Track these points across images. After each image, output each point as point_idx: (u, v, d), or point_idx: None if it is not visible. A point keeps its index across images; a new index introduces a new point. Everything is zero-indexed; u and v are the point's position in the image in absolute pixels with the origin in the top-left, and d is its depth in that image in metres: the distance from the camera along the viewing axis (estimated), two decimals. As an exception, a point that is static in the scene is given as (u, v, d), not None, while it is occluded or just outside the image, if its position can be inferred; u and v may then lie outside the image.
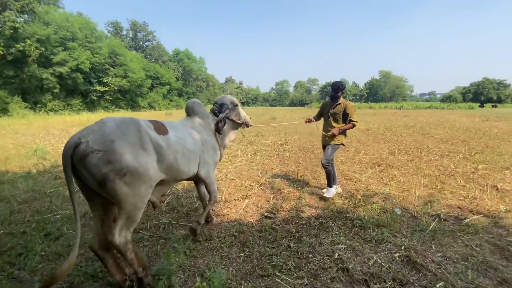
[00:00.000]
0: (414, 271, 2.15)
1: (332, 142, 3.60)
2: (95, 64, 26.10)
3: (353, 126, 3.58)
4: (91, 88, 26.90)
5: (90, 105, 27.23)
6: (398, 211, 3.26)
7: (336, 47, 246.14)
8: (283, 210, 3.33)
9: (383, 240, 2.59)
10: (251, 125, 3.15)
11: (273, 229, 2.84)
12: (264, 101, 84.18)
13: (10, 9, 16.94)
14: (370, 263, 2.23)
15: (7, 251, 2.43)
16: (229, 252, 2.47)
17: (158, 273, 2.09)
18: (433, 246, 2.51)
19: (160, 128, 2.09)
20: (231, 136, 3.01)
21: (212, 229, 2.87)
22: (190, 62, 46.76)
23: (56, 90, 22.73)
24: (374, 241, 2.59)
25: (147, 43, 44.59)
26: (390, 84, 72.69)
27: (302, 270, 2.18)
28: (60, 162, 5.69)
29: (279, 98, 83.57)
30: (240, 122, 2.98)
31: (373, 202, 3.53)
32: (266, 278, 2.08)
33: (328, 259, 2.31)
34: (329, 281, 2.05)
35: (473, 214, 3.19)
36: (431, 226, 2.85)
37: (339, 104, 3.57)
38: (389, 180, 4.54)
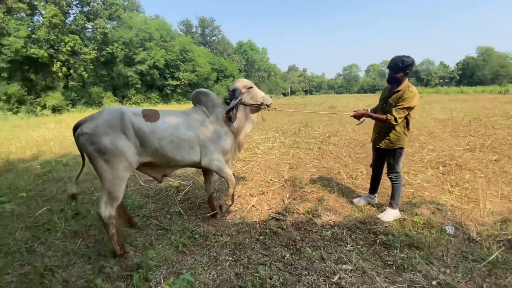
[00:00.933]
0: (442, 321, 1.54)
1: (385, 145, 2.63)
2: (169, 61, 29.10)
3: (387, 120, 2.47)
4: (166, 82, 30.25)
5: (165, 98, 30.73)
6: (450, 230, 2.47)
7: (419, 21, 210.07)
8: (296, 212, 2.94)
9: (410, 267, 1.97)
10: (274, 108, 2.92)
11: (275, 233, 2.52)
12: (329, 89, 79.55)
13: (100, 17, 20.23)
14: (377, 297, 1.71)
15: (41, 225, 2.83)
16: (219, 253, 2.29)
17: (138, 266, 2.08)
18: (484, 287, 1.77)
19: (150, 116, 2.27)
20: (251, 120, 2.89)
21: (213, 225, 2.73)
22: (253, 53, 47.56)
23: (138, 86, 26.40)
24: (395, 267, 1.99)
25: (213, 38, 47.24)
26: (492, 63, 58.38)
27: (288, 289, 1.83)
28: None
29: (346, 84, 77.53)
30: (258, 103, 2.79)
31: (416, 214, 2.77)
32: (241, 292, 1.82)
33: (323, 281, 1.88)
34: (314, 310, 1.65)
35: None
36: (493, 256, 2.04)
37: (398, 91, 2.50)
38: (452, 185, 3.54)
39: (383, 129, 2.65)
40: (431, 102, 19.86)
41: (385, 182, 3.41)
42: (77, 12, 20.28)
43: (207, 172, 2.83)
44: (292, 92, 71.04)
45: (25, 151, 6.32)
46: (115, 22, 23.85)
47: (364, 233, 2.47)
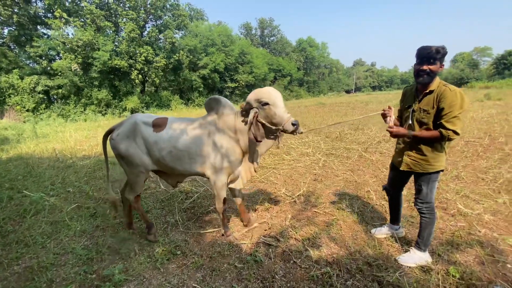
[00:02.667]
0: None
1: (421, 168, 1.97)
2: (228, 64, 30.52)
3: (442, 137, 1.80)
4: (225, 85, 31.86)
5: (225, 100, 32.43)
6: (503, 294, 1.69)
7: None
8: (294, 238, 2.51)
9: None
10: (297, 132, 2.15)
11: (257, 262, 2.18)
12: (402, 83, 70.59)
13: (169, 28, 22.50)
14: None
15: (62, 221, 3.16)
16: (191, 277, 2.10)
17: (107, 277, 2.06)
18: None
19: (158, 126, 2.38)
20: (266, 143, 2.33)
21: (199, 242, 2.56)
22: (312, 50, 45.81)
23: (201, 89, 28.51)
24: None
25: (272, 38, 47.35)
26: None
27: None
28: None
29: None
30: (273, 126, 2.17)
31: (454, 262, 2.02)
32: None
33: None
34: None
35: None
36: None
37: (430, 92, 1.88)
38: (532, 222, 2.51)
39: (414, 145, 1.99)
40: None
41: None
42: (151, 25, 23.12)
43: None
44: (358, 89, 65.68)
45: (92, 149, 7.40)
46: (182, 32, 26.29)
47: (366, 279, 1.90)
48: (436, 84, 1.87)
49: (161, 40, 24.17)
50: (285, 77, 40.47)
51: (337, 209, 3.01)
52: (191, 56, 25.64)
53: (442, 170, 1.97)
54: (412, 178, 2.15)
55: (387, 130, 2.02)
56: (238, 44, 32.94)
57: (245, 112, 2.24)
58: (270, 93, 2.15)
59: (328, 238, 2.46)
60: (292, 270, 2.07)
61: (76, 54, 18.42)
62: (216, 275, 2.08)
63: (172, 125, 2.39)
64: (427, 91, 1.89)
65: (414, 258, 2.04)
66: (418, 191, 2.05)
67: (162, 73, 23.29)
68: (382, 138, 6.75)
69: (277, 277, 2.00)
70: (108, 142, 2.53)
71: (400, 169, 2.10)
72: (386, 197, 3.26)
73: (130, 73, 21.52)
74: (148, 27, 23.08)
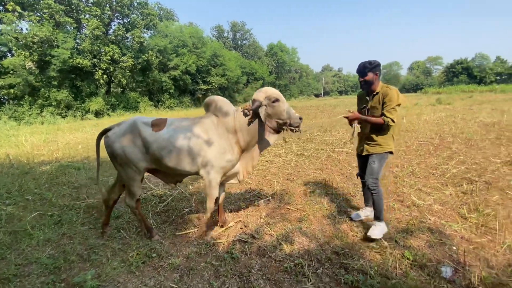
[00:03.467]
0: None
1: (375, 150, 2.48)
2: (200, 66, 30.09)
3: (384, 123, 2.34)
4: (197, 87, 31.35)
5: (197, 102, 31.83)
6: (447, 272, 1.96)
7: (470, 15, 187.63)
8: (269, 234, 2.63)
9: (372, 323, 1.57)
10: (299, 130, 2.35)
11: (234, 259, 2.26)
12: (367, 89, 75.12)
13: (137, 27, 21.65)
14: None
15: (22, 231, 2.94)
16: (167, 277, 2.11)
17: (78, 284, 1.99)
18: None
19: (158, 125, 2.41)
20: (267, 141, 2.48)
21: (175, 243, 2.57)
22: (283, 54, 46.97)
23: (172, 91, 27.72)
24: (354, 320, 1.61)
25: (244, 42, 47.72)
26: None
27: (216, 334, 1.57)
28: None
29: (385, 83, 71.87)
30: (281, 122, 2.34)
31: (409, 247, 2.29)
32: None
33: (259, 329, 1.58)
34: None
35: None
36: (496, 320, 1.53)
37: (377, 93, 2.44)
38: (471, 210, 2.91)
39: (370, 135, 2.53)
40: (482, 102, 17.48)
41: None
42: (117, 23, 22.02)
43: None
44: (326, 93, 68.61)
45: (53, 154, 6.88)
46: (151, 31, 25.40)
47: (334, 267, 2.08)
48: (380, 86, 2.45)
49: (129, 39, 23.12)
50: (258, 81, 40.96)
51: (308, 205, 3.20)
52: (161, 57, 24.87)
53: (392, 153, 2.50)
54: None
55: (344, 117, 2.48)
56: (210, 46, 32.65)
57: (251, 111, 2.28)
58: (277, 91, 2.34)
59: (300, 232, 2.62)
60: (267, 263, 2.19)
61: (31, 51, 16.91)
62: (193, 274, 2.12)
63: (171, 125, 2.42)
64: (375, 92, 2.45)
65: (379, 229, 2.42)
66: (369, 167, 2.52)
67: (129, 74, 22.27)
68: (348, 139, 7.22)
69: (253, 271, 2.10)
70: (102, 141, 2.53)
71: (363, 155, 2.60)
72: (351, 192, 3.55)
73: (94, 73, 20.27)
74: (114, 25, 21.99)
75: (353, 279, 1.90)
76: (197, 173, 2.46)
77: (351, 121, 2.50)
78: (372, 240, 2.37)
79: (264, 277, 2.02)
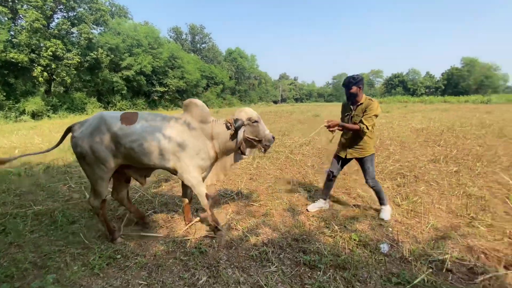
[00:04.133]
0: None
1: (359, 154, 2.85)
2: (156, 68, 28.87)
3: (360, 130, 2.70)
4: (153, 89, 29.96)
5: (152, 104, 30.37)
6: (385, 248, 2.37)
7: (406, 32, 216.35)
8: (236, 228, 2.79)
9: (326, 292, 1.85)
10: (269, 145, 2.59)
11: (202, 253, 2.37)
12: (319, 97, 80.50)
13: (85, 23, 19.98)
14: (278, 328, 1.57)
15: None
16: (135, 276, 2.12)
17: (36, 292, 1.89)
18: (399, 315, 1.66)
19: (128, 119, 2.35)
20: (241, 155, 2.69)
21: (141, 244, 2.56)
22: (242, 61, 47.81)
23: (124, 92, 26.03)
24: (312, 291, 1.87)
25: (203, 45, 47.38)
26: (476, 74, 60.27)
27: (189, 319, 1.67)
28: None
29: (336, 93, 78.55)
30: (256, 140, 2.55)
31: (355, 230, 2.67)
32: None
33: (230, 309, 1.73)
34: None
35: (505, 267, 2.08)
36: (418, 279, 1.94)
37: (361, 104, 2.77)
38: (403, 198, 3.47)
39: (352, 140, 2.87)
40: (414, 111, 20.19)
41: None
42: (61, 17, 20.01)
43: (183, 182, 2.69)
44: (283, 100, 71.54)
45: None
46: (101, 28, 23.63)
47: (294, 251, 2.34)
48: (363, 98, 2.79)
49: (75, 35, 21.15)
50: (217, 85, 40.83)
51: (270, 201, 3.45)
52: (113, 56, 23.27)
53: (373, 153, 2.90)
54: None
55: (325, 126, 2.77)
56: (167, 48, 31.59)
57: (233, 128, 2.45)
58: (257, 114, 2.57)
59: (264, 224, 2.84)
60: (234, 254, 2.35)
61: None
62: (162, 270, 2.17)
63: (143, 120, 2.39)
64: (359, 103, 2.79)
65: (387, 211, 2.92)
66: (367, 172, 2.89)
67: (75, 72, 20.32)
68: (304, 142, 7.78)
69: (221, 262, 2.23)
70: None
71: (347, 157, 2.94)
72: (307, 188, 3.91)
73: (31, 70, 18.03)
74: (57, 18, 19.93)
75: (310, 259, 2.17)
76: (170, 170, 2.49)
77: (331, 127, 2.78)
78: (385, 221, 2.83)
79: (232, 266, 2.17)
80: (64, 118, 18.30)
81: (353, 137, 2.86)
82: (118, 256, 2.36)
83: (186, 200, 2.85)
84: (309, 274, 2.05)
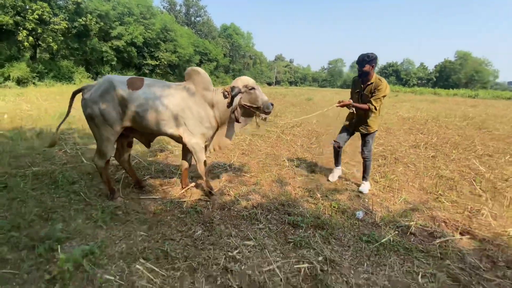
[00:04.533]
0: (312, 290, 1.71)
1: (367, 131, 3.12)
2: (148, 39, 27.75)
3: (369, 109, 2.94)
4: (144, 61, 28.97)
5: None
6: (360, 215, 2.67)
7: (403, 22, 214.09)
8: (228, 194, 3.04)
9: (306, 245, 2.14)
10: (269, 112, 2.65)
11: (197, 212, 2.61)
12: (313, 81, 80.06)
13: (73, -14, 18.79)
14: (264, 270, 1.85)
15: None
16: (136, 228, 2.34)
17: (46, 237, 2.09)
18: (365, 264, 1.97)
19: (134, 84, 2.47)
20: (242, 122, 2.75)
21: (139, 203, 2.77)
22: (238, 38, 46.43)
23: (114, 63, 25.09)
24: (294, 244, 2.15)
25: (198, 19, 45.50)
26: (467, 68, 61.13)
27: (187, 261, 1.92)
28: (73, 126, 6.26)
29: (330, 78, 78.26)
30: (254, 106, 2.61)
31: (335, 199, 2.97)
32: (138, 266, 1.89)
33: (223, 254, 2.00)
34: (202, 279, 1.77)
35: (460, 233, 2.43)
36: (385, 239, 2.25)
37: (371, 83, 2.93)
38: (382, 176, 3.80)
39: (362, 117, 3.10)
40: (404, 101, 20.65)
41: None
42: (47, -24, 18.64)
43: (185, 146, 2.82)
44: (277, 82, 70.83)
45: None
46: (89, -8, 22.26)
47: (280, 213, 2.62)
48: (374, 78, 2.94)
49: (61, -2, 19.90)
50: (211, 62, 39.81)
51: (260, 173, 3.70)
52: (102, 23, 22.14)
53: (377, 130, 3.20)
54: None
55: (337, 105, 3.09)
56: (160, 19, 30.24)
57: (230, 95, 2.54)
58: (253, 81, 2.66)
59: (254, 192, 3.10)
60: (227, 214, 2.60)
61: None
62: (161, 224, 2.40)
63: (149, 85, 2.50)
64: (369, 82, 2.95)
65: (367, 186, 3.24)
66: (366, 145, 3.20)
67: (62, 38, 19.32)
68: (296, 123, 8.01)
69: (215, 220, 2.48)
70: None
71: (353, 130, 3.26)
72: (295, 163, 4.17)
73: (16, 33, 17.04)
74: (43, -22, 18.56)
75: (294, 219, 2.46)
76: (173, 136, 2.65)
77: (342, 106, 3.09)
78: (364, 194, 3.15)
79: (224, 223, 2.43)
80: (50, 87, 17.65)
81: (363, 115, 3.08)
82: (119, 213, 2.56)
83: (186, 165, 3.02)
84: (292, 231, 2.34)
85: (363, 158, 3.25)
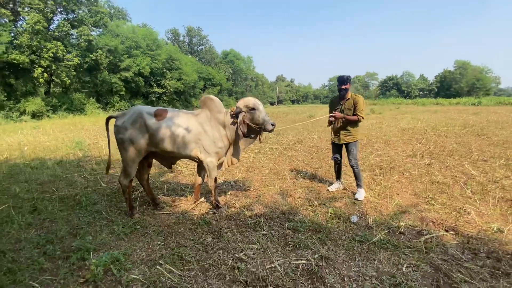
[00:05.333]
0: (309, 283, 1.96)
1: (350, 140, 3.51)
2: (154, 69, 29.29)
3: (358, 120, 3.41)
4: (151, 90, 30.35)
5: (150, 105, 30.67)
6: (354, 219, 2.93)
7: (401, 37, 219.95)
8: (234, 206, 3.34)
9: (304, 246, 2.40)
10: (271, 130, 2.97)
11: (207, 223, 2.90)
12: (315, 98, 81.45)
13: (85, 25, 20.40)
14: (266, 267, 2.12)
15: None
16: (153, 239, 2.64)
17: (77, 248, 2.41)
18: (357, 260, 2.22)
19: (160, 115, 2.90)
20: (248, 140, 3.12)
21: (155, 218, 3.09)
22: (239, 63, 48.43)
23: (123, 93, 26.38)
24: (292, 245, 2.42)
25: (201, 47, 47.91)
26: (468, 77, 61.58)
27: (199, 263, 2.21)
28: (89, 153, 6.74)
29: (331, 94, 79.43)
30: (256, 126, 2.93)
31: (333, 207, 3.24)
32: (158, 267, 2.18)
33: (230, 256, 2.27)
34: (213, 277, 2.04)
35: (446, 230, 2.66)
36: (376, 238, 2.50)
37: (349, 99, 3.46)
38: (377, 184, 4.05)
39: (344, 129, 3.55)
40: (405, 112, 20.95)
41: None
42: (61, 19, 20.40)
43: (201, 164, 3.20)
44: (280, 102, 72.36)
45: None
46: (100, 30, 24.02)
47: (281, 221, 2.90)
48: (350, 94, 3.48)
49: (74, 36, 21.54)
50: (215, 86, 41.30)
51: (263, 187, 4.01)
52: (112, 57, 23.66)
53: (359, 140, 3.60)
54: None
55: (330, 117, 3.50)
56: (165, 49, 32.01)
57: (234, 114, 2.95)
58: (255, 102, 2.96)
59: (258, 204, 3.40)
60: (233, 223, 2.89)
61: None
62: (175, 234, 2.70)
63: (172, 115, 2.92)
64: (346, 99, 3.48)
65: (361, 193, 3.50)
66: (351, 153, 3.53)
67: (74, 73, 20.70)
68: (297, 140, 8.36)
69: (223, 229, 2.77)
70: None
71: (340, 143, 3.58)
72: (296, 177, 4.46)
73: (32, 71, 18.38)
74: (57, 20, 20.31)
75: (294, 225, 2.73)
76: (192, 158, 3.03)
77: (335, 119, 3.49)
78: (358, 200, 3.41)
79: (231, 231, 2.72)
80: (63, 118, 18.65)
81: (344, 125, 3.52)
82: (138, 227, 2.88)
83: (199, 181, 3.36)
84: (292, 235, 2.61)
85: (352, 166, 3.56)
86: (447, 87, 63.77)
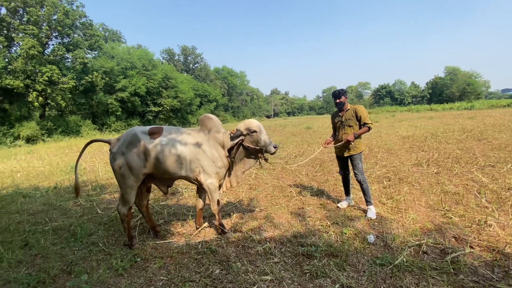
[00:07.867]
0: (333, 318, 1.75)
1: (354, 152, 3.37)
2: (150, 88, 29.46)
3: (369, 129, 3.31)
4: (147, 109, 30.38)
5: (147, 124, 30.66)
6: (371, 238, 2.73)
7: (391, 46, 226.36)
8: (240, 231, 3.13)
9: (322, 274, 2.19)
10: (273, 152, 2.84)
11: (213, 251, 2.68)
12: (310, 110, 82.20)
13: (80, 48, 20.57)
14: (283, 302, 1.90)
15: (-15, 258, 2.84)
16: (156, 274, 2.41)
17: (71, 290, 2.17)
18: (382, 287, 2.01)
19: (154, 133, 2.74)
20: (249, 162, 2.99)
21: (157, 248, 2.86)
22: (233, 79, 49.09)
23: (119, 113, 26.35)
24: (310, 274, 2.21)
25: (196, 65, 48.60)
26: (458, 82, 62.95)
27: (208, 302, 1.98)
28: (85, 177, 6.50)
29: (326, 105, 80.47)
30: (257, 148, 2.83)
31: (346, 226, 3.04)
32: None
33: (242, 292, 2.05)
34: (225, 319, 1.82)
35: (471, 247, 2.47)
36: (398, 260, 2.30)
37: (348, 109, 3.44)
38: (388, 198, 3.87)
39: (347, 142, 3.40)
40: (401, 120, 21.06)
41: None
42: (57, 43, 20.56)
43: (200, 187, 3.01)
44: (276, 114, 72.88)
45: (-12, 184, 6.19)
46: (95, 52, 24.25)
47: (293, 245, 2.69)
48: (348, 105, 3.44)
49: (69, 60, 21.66)
50: (211, 102, 41.54)
51: (269, 206, 3.80)
52: (107, 78, 23.77)
53: (363, 151, 3.42)
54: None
55: (347, 141, 3.31)
56: (161, 69, 32.39)
57: (234, 136, 2.82)
58: (257, 124, 2.86)
59: (266, 226, 3.18)
60: (241, 251, 2.67)
61: None
62: (180, 267, 2.48)
63: (168, 133, 2.75)
64: (345, 110, 3.44)
65: (372, 211, 3.30)
66: (356, 167, 3.37)
67: (70, 96, 20.63)
68: (298, 153, 8.21)
69: (231, 258, 2.55)
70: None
71: (345, 156, 3.44)
72: (303, 194, 4.28)
73: (26, 95, 18.28)
74: (53, 44, 20.46)
75: (308, 250, 2.52)
76: (189, 179, 2.84)
77: (348, 142, 3.32)
78: (372, 220, 3.19)
79: (240, 260, 2.50)
80: (59, 142, 18.39)
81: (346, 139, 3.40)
82: (138, 259, 2.65)
83: (200, 204, 3.16)
84: (307, 262, 2.40)
85: (359, 181, 3.38)
86: (439, 93, 64.91)
